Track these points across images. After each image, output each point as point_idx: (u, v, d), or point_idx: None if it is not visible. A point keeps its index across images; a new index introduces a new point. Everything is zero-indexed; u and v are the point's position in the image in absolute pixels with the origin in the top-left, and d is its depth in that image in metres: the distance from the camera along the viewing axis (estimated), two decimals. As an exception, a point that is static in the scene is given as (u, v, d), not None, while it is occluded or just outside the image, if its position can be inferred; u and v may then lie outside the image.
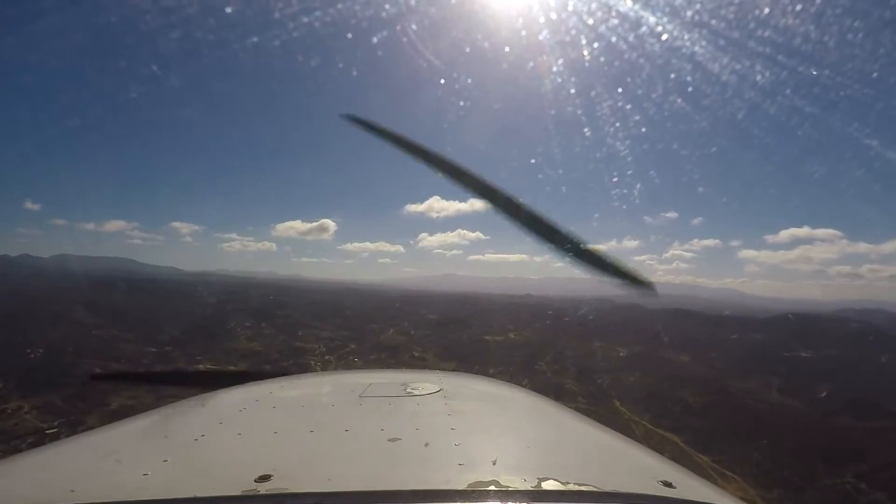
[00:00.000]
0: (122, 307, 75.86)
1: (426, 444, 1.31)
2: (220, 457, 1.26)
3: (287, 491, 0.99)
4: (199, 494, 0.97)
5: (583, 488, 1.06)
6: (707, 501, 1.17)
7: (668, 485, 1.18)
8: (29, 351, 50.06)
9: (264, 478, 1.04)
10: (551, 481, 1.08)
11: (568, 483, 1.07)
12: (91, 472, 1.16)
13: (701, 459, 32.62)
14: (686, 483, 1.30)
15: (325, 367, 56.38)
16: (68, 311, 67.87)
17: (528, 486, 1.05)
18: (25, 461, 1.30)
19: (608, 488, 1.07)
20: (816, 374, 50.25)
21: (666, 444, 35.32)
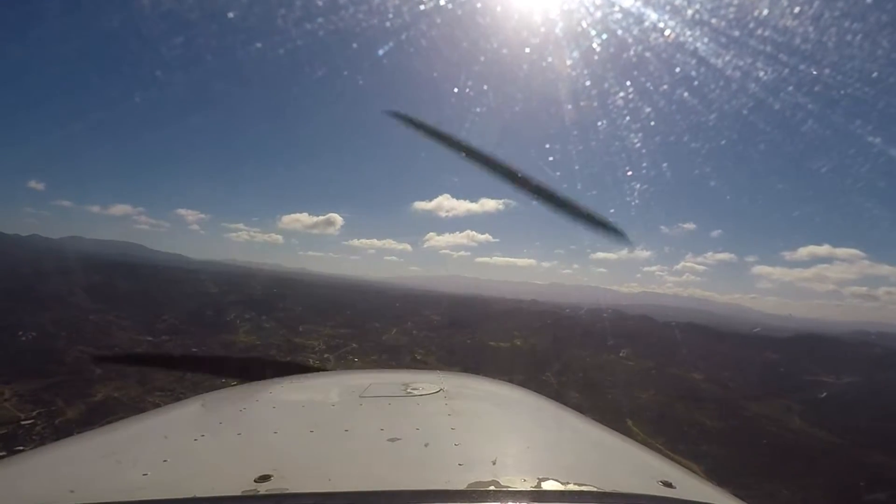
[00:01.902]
0: (123, 293, 74.77)
1: (426, 445, 1.31)
2: (220, 457, 1.25)
3: (287, 491, 0.99)
4: (199, 494, 0.97)
5: (583, 488, 1.06)
6: (707, 501, 1.16)
7: (668, 485, 1.18)
8: (21, 333, 48.79)
9: (264, 478, 1.04)
10: (551, 481, 1.08)
11: (568, 483, 1.08)
12: (91, 472, 1.15)
13: (722, 492, 30.09)
14: (686, 483, 1.29)
15: (323, 366, 54.57)
16: (67, 295, 66.80)
17: (527, 486, 1.05)
18: (25, 461, 1.30)
19: (608, 488, 1.07)
20: (842, 402, 47.36)
21: (683, 472, 32.87)
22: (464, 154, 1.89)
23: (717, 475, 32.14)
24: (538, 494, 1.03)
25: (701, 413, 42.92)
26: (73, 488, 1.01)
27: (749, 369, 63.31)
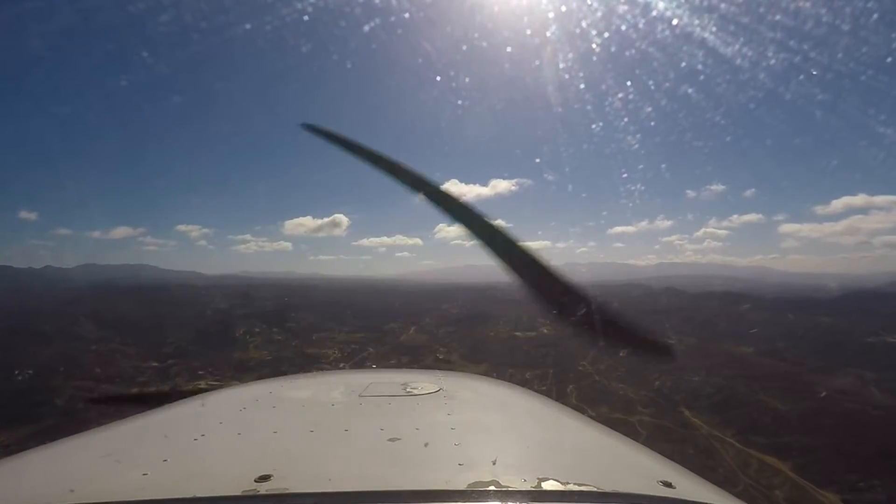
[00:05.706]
0: (130, 318, 71.97)
1: (426, 444, 1.33)
2: (220, 457, 1.28)
3: (287, 491, 1.01)
4: (199, 494, 0.99)
5: (583, 488, 1.07)
6: (707, 502, 1.17)
7: (668, 485, 1.19)
8: (17, 373, 45.76)
9: (264, 478, 1.06)
10: (551, 481, 1.09)
11: (568, 483, 1.09)
12: (91, 472, 1.18)
13: (825, 497, 25.07)
14: (686, 483, 1.30)
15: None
16: (70, 325, 64.04)
17: (527, 486, 1.06)
18: (25, 461, 1.33)
19: (608, 488, 1.08)
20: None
21: (769, 473, 27.94)
22: (380, 166, 1.85)
23: (814, 475, 27.07)
24: (538, 494, 1.03)
25: (767, 394, 37.92)
26: (73, 488, 1.02)
27: (802, 337, 57.89)
